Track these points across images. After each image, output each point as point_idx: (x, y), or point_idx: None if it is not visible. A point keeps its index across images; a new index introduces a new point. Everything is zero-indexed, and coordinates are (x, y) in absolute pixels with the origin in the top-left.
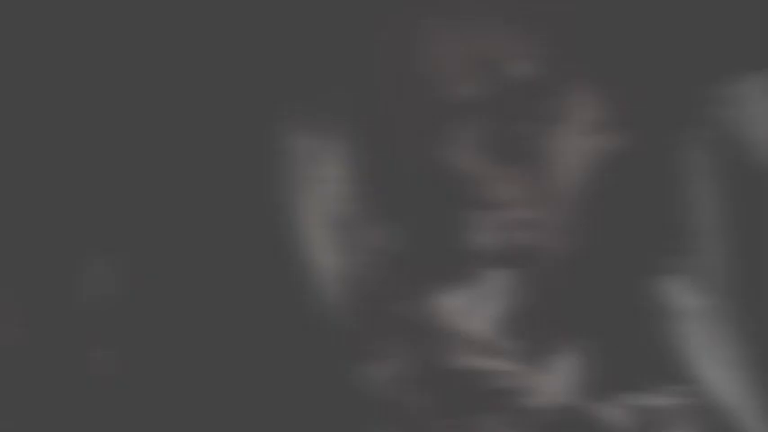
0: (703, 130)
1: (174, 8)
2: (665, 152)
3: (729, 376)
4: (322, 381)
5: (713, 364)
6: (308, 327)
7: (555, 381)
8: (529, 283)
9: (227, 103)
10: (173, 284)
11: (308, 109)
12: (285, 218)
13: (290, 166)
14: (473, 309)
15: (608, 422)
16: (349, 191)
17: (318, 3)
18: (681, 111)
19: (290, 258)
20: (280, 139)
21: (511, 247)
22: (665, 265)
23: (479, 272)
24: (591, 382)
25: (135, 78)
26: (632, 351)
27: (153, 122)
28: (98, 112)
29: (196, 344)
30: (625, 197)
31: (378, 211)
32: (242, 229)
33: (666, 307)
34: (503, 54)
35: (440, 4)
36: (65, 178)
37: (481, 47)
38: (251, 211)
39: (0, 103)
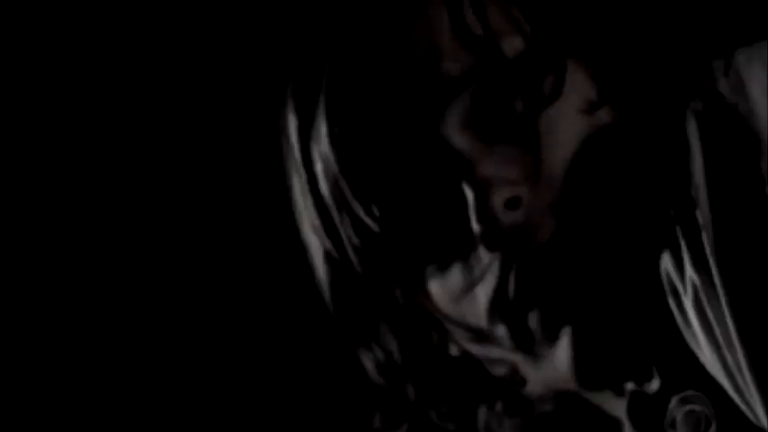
0: (699, 105)
1: None
2: (659, 129)
3: (725, 358)
4: (321, 364)
5: (709, 346)
6: (309, 309)
7: (549, 368)
8: (520, 267)
9: (225, 82)
10: (175, 265)
11: (296, 86)
12: (284, 199)
13: (285, 146)
14: (464, 293)
15: (605, 410)
16: (336, 170)
17: None
18: (676, 86)
19: (292, 241)
20: (277, 119)
21: (502, 228)
22: (659, 244)
23: (470, 254)
24: (586, 369)
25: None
26: (628, 335)
27: (155, 104)
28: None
29: (198, 322)
30: (618, 175)
31: (366, 190)
32: (248, 210)
33: (661, 287)
34: (493, 29)
35: None
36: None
37: (471, 21)
38: (256, 194)
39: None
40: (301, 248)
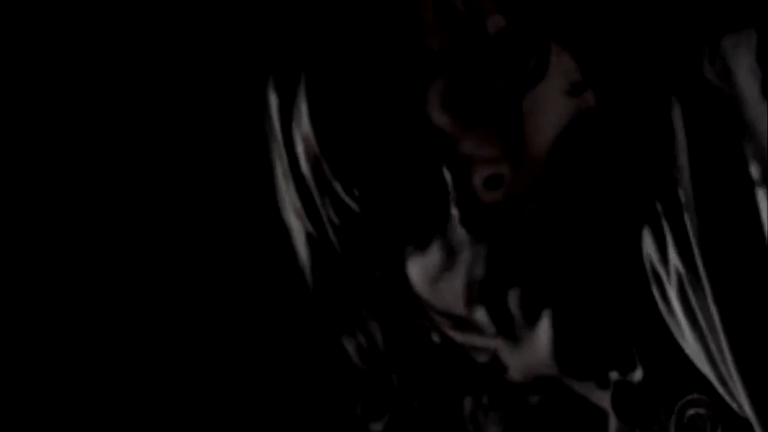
0: (685, 90)
1: None
2: (643, 113)
3: (708, 347)
4: (304, 351)
5: (693, 335)
6: (294, 294)
7: (529, 352)
8: (500, 247)
9: (210, 62)
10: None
11: (278, 66)
12: (269, 180)
13: (268, 129)
14: (442, 275)
15: (590, 400)
16: (317, 150)
17: None
18: (662, 71)
19: (276, 224)
20: (261, 100)
21: (483, 208)
22: (641, 228)
23: (450, 234)
24: (566, 353)
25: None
26: (609, 319)
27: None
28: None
29: (183, 310)
30: (601, 159)
31: (346, 170)
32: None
33: (643, 272)
34: (476, 6)
35: None
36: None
37: None
38: (243, 176)
39: None
40: (285, 234)
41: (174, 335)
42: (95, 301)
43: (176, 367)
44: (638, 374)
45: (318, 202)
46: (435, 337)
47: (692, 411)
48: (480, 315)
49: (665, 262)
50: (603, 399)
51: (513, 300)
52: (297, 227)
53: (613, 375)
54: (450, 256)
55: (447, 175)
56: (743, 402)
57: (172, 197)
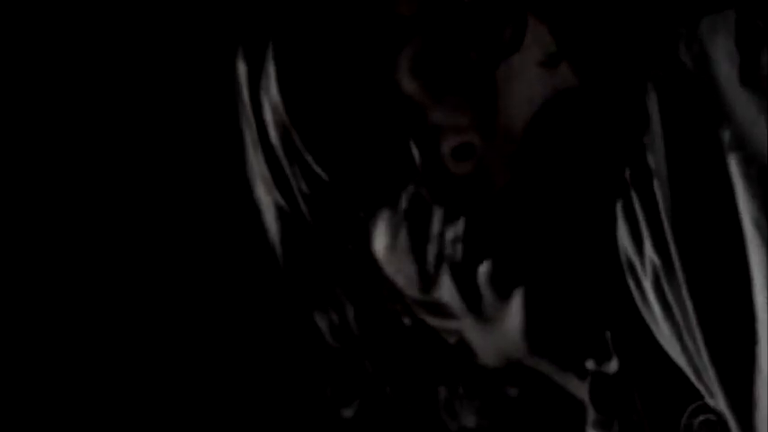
0: (661, 73)
1: None
2: (619, 96)
3: (683, 338)
4: (278, 328)
5: (667, 326)
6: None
7: (499, 333)
8: (470, 220)
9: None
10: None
11: (246, 32)
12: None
13: (238, 100)
14: (408, 250)
15: (568, 390)
16: (285, 118)
17: None
18: (638, 54)
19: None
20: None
21: (452, 179)
22: (616, 214)
23: (419, 206)
24: (538, 335)
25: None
26: (581, 299)
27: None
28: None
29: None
30: (576, 137)
31: (315, 138)
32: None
33: (617, 257)
34: None
35: None
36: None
37: None
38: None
39: None
40: (254, 209)
41: (143, 313)
42: (64, 282)
43: (145, 346)
44: (613, 365)
45: (288, 171)
46: (407, 320)
47: (701, 417)
48: (447, 292)
49: (641, 253)
50: (581, 389)
51: (482, 276)
52: (266, 200)
53: (589, 365)
54: (416, 228)
55: (415, 144)
56: (717, 394)
57: (137, 173)
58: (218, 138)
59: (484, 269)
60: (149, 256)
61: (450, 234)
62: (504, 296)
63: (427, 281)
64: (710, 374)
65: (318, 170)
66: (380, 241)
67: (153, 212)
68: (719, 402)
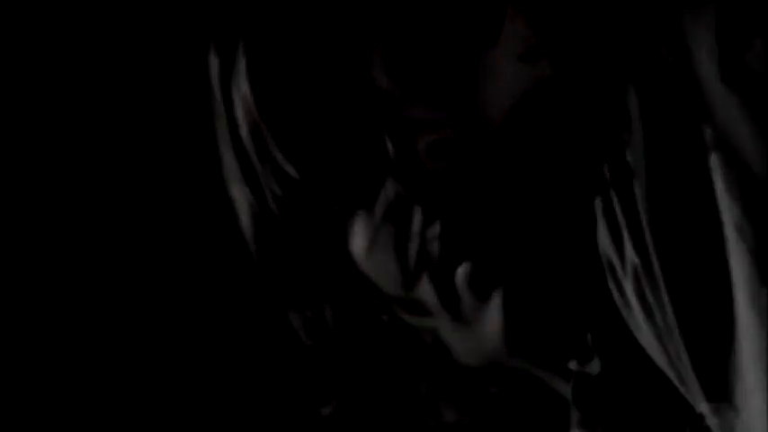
0: (641, 70)
1: None
2: (599, 88)
3: (663, 340)
4: (254, 326)
5: (648, 328)
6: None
7: (478, 336)
8: (446, 218)
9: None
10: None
11: (218, 27)
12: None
13: (209, 91)
14: (384, 250)
15: (553, 387)
16: (255, 113)
17: None
18: (619, 47)
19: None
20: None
21: (428, 175)
22: (595, 212)
23: (391, 206)
24: (518, 338)
25: None
26: (561, 301)
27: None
28: None
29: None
30: (555, 134)
31: (286, 134)
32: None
33: (597, 258)
34: None
35: None
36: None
37: None
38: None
39: None
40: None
41: (122, 313)
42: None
43: (119, 343)
44: (595, 366)
45: (258, 169)
46: (384, 317)
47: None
48: (424, 292)
49: (621, 253)
50: (566, 389)
51: (460, 277)
52: (240, 198)
53: (572, 365)
54: (392, 227)
55: (390, 140)
56: (696, 396)
57: (111, 171)
58: (193, 135)
59: (462, 270)
60: (124, 253)
61: (430, 233)
62: (482, 298)
63: (409, 279)
64: (689, 375)
65: (289, 168)
66: (358, 240)
67: (127, 210)
68: (699, 404)
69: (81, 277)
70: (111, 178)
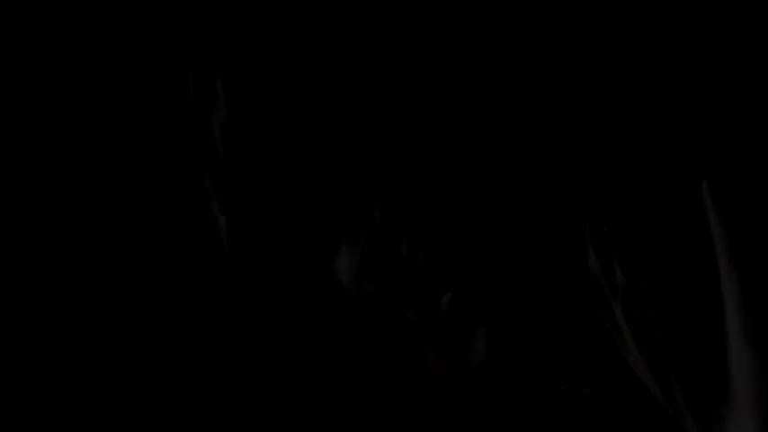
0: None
1: None
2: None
3: (653, 362)
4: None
5: (638, 349)
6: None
7: (468, 355)
8: (431, 248)
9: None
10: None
11: (199, 47)
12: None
13: (193, 111)
14: (370, 273)
15: (527, 402)
16: (236, 134)
17: None
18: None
19: (200, 215)
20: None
21: (407, 208)
22: (586, 236)
23: (375, 226)
24: (503, 373)
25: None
26: (553, 331)
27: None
28: None
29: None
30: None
31: (266, 154)
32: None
33: (588, 285)
34: None
35: None
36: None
37: None
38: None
39: None
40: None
41: (122, 313)
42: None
43: (125, 345)
44: (585, 389)
45: (235, 190)
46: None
47: None
48: (410, 318)
49: (611, 279)
50: (552, 412)
51: (445, 306)
52: (222, 220)
53: (563, 388)
54: (377, 254)
55: (370, 156)
56: (686, 418)
57: (90, 181)
58: (176, 155)
59: (446, 300)
60: (124, 253)
61: (415, 260)
62: (467, 327)
63: (395, 305)
64: (681, 403)
65: (265, 190)
66: (343, 262)
67: (127, 211)
68: (689, 426)
69: (81, 277)
70: (88, 186)
